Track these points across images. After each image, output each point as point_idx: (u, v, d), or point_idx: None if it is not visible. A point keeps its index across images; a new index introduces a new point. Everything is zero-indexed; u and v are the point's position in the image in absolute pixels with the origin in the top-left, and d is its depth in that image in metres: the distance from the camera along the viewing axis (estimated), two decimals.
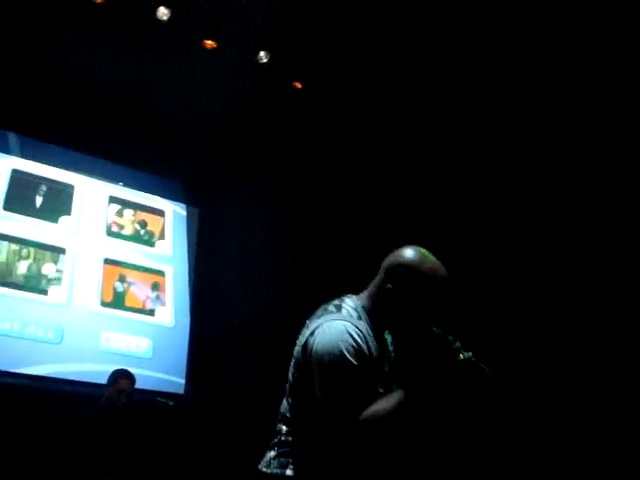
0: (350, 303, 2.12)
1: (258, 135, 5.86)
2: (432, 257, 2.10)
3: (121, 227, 6.21)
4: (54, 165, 5.97)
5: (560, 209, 4.32)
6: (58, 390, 5.19)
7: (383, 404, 1.96)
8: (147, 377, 5.36)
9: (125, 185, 6.36)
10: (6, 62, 5.38)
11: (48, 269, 5.60)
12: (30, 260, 5.55)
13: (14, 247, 5.51)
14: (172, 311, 6.11)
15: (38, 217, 5.73)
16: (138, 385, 4.70)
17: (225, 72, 5.39)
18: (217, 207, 6.46)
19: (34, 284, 5.49)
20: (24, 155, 5.85)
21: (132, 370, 4.70)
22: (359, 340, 1.98)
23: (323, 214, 5.45)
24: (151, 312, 6.00)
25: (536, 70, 4.41)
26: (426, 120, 5.03)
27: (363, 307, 2.12)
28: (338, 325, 2.00)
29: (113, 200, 6.26)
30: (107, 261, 5.95)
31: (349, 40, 4.99)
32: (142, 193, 6.45)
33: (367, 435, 1.97)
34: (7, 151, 5.77)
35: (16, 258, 5.48)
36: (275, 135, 5.78)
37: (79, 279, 5.71)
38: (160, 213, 6.51)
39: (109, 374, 4.63)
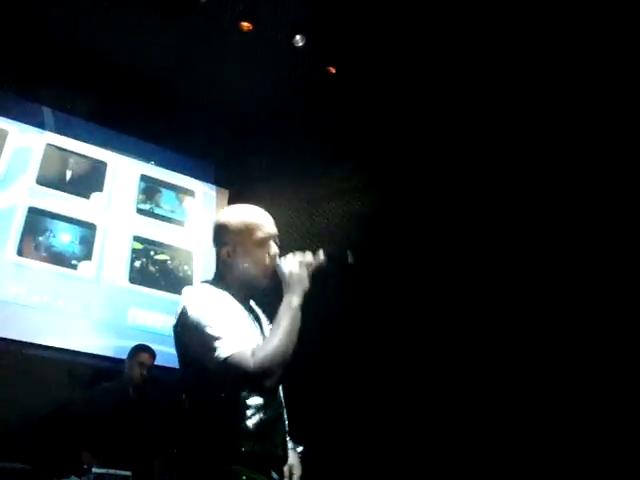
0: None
1: (290, 118, 5.86)
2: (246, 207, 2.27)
3: (151, 205, 6.26)
4: (87, 142, 6.04)
5: (560, 209, 4.28)
6: (84, 364, 5.26)
7: (271, 338, 1.91)
8: (172, 354, 5.40)
9: (156, 164, 6.42)
10: (44, 39, 5.43)
11: (78, 244, 5.67)
12: (61, 234, 5.62)
13: (46, 221, 5.58)
14: None
15: (70, 192, 5.80)
16: (164, 362, 4.74)
17: (260, 54, 5.39)
18: (246, 189, 6.47)
19: (64, 258, 5.56)
20: (58, 131, 5.92)
21: (157, 347, 4.74)
22: (212, 296, 2.04)
23: (355, 200, 5.43)
24: (178, 290, 6.02)
25: (545, 69, 4.38)
26: (465, 108, 4.99)
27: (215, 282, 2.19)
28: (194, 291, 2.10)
29: (144, 178, 6.31)
30: (136, 239, 6.01)
31: (384, 25, 4.96)
32: (173, 172, 6.50)
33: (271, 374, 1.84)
34: (42, 126, 5.84)
35: (47, 232, 5.55)
36: (307, 119, 5.76)
37: (108, 255, 5.77)
38: (190, 193, 6.56)
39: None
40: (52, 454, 4.11)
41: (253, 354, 1.82)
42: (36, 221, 5.53)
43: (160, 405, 4.70)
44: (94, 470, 3.65)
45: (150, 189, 6.32)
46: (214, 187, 6.68)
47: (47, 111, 5.90)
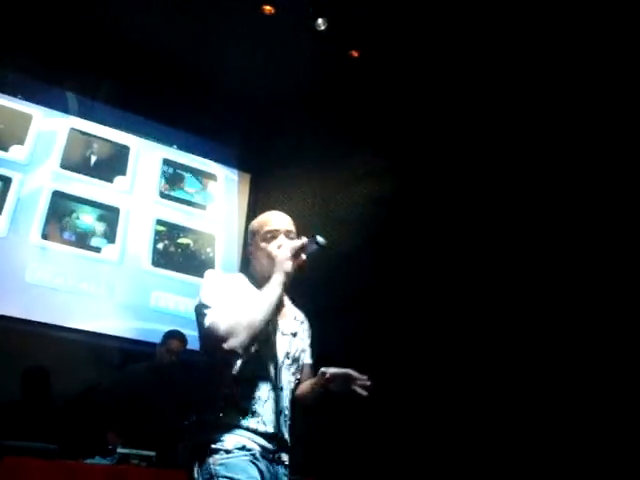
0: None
1: (313, 103, 5.85)
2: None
3: (173, 189, 6.31)
4: (110, 126, 6.09)
5: (559, 209, 4.25)
6: (108, 345, 5.33)
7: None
8: (195, 337, 5.45)
9: (179, 148, 6.45)
10: (66, 23, 5.46)
11: (102, 227, 5.73)
12: (85, 218, 5.68)
13: (70, 204, 5.64)
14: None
15: (94, 176, 5.87)
16: (187, 345, 4.80)
17: (282, 38, 5.37)
18: (268, 174, 6.50)
19: (88, 242, 5.63)
20: (82, 115, 5.98)
21: (180, 330, 4.79)
22: (229, 279, 2.27)
23: (376, 184, 5.42)
24: (200, 274, 6.07)
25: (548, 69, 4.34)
26: (487, 95, 4.96)
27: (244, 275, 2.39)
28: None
29: (166, 162, 6.36)
30: (159, 222, 6.07)
31: (406, 8, 4.92)
32: (195, 157, 6.54)
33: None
34: (66, 110, 5.90)
35: (72, 216, 5.62)
36: (330, 104, 5.75)
37: (132, 238, 5.83)
38: (212, 177, 6.60)
39: (159, 332, 4.74)
40: (78, 434, 4.18)
41: (226, 320, 2.03)
42: (60, 205, 5.60)
43: (187, 388, 4.75)
44: (119, 450, 3.70)
45: (172, 173, 6.36)
46: (236, 171, 6.71)
47: (71, 96, 5.95)
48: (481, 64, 4.89)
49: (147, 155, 6.26)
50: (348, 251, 4.83)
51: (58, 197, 5.61)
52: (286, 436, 2.22)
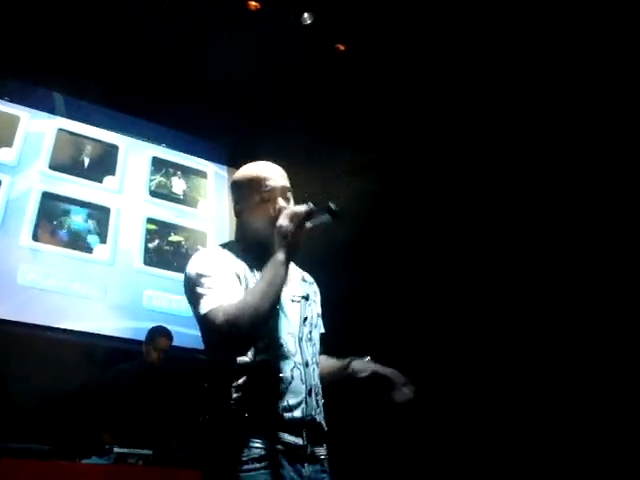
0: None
1: (301, 98, 5.84)
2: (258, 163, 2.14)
3: (164, 188, 6.29)
4: (98, 126, 6.08)
5: (557, 209, 4.27)
6: (101, 346, 5.32)
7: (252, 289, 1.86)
8: (187, 335, 5.46)
9: (167, 146, 6.44)
10: (50, 24, 5.43)
11: (93, 228, 5.72)
12: (75, 218, 5.66)
13: (60, 205, 5.62)
14: None
15: (83, 176, 5.85)
16: (180, 343, 4.80)
17: (269, 34, 5.37)
18: None
19: (79, 242, 5.61)
20: (69, 115, 5.96)
21: (173, 328, 4.79)
22: (214, 256, 1.97)
23: (364, 182, 5.44)
24: None
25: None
26: (474, 92, 4.97)
27: (235, 242, 2.11)
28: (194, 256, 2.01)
29: (156, 161, 6.34)
30: (150, 221, 6.05)
31: (392, 2, 4.93)
32: (184, 154, 6.53)
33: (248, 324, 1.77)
34: (53, 111, 5.88)
35: (62, 217, 5.60)
36: (318, 98, 5.75)
37: (123, 238, 5.81)
38: (202, 174, 6.59)
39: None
40: (73, 435, 4.18)
41: (226, 309, 1.78)
42: (50, 206, 5.58)
43: (177, 385, 4.76)
44: (115, 450, 3.70)
45: (162, 171, 6.35)
46: (225, 168, 6.70)
47: (58, 96, 5.93)
48: (466, 60, 4.91)
49: (136, 154, 6.24)
50: (334, 247, 4.82)
51: (48, 198, 5.59)
52: (319, 419, 1.94)
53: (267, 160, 2.23)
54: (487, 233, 4.70)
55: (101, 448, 3.80)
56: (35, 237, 5.38)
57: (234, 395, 1.85)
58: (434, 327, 4.84)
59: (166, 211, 6.19)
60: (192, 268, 1.94)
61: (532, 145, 4.49)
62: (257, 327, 1.80)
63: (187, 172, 6.50)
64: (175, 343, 4.74)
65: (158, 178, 6.29)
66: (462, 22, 4.79)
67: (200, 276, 1.89)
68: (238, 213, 2.11)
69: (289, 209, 1.94)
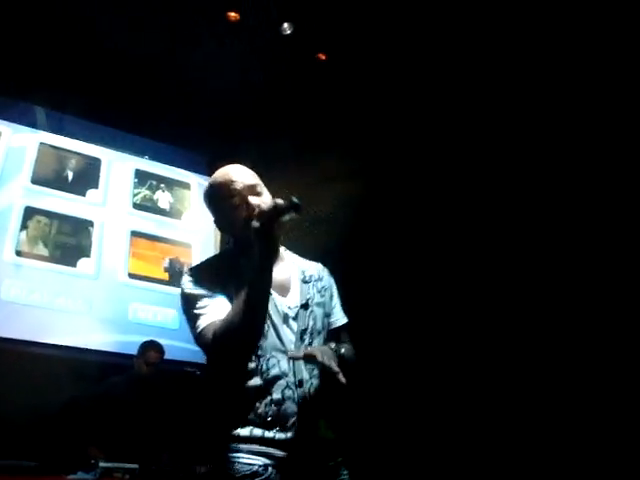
0: None
1: (283, 107, 5.86)
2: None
3: (147, 200, 6.28)
4: (80, 139, 6.06)
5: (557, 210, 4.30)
6: (88, 360, 5.28)
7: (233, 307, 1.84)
8: (174, 347, 5.44)
9: (150, 158, 6.43)
10: (33, 36, 5.42)
11: (76, 241, 5.69)
12: (58, 232, 5.63)
13: (42, 220, 5.59)
14: None
15: (66, 190, 5.82)
16: (166, 355, 4.78)
17: (249, 44, 5.38)
18: None
19: (63, 256, 5.58)
20: (51, 129, 5.93)
21: (159, 340, 4.78)
22: (204, 274, 2.02)
23: (348, 188, 5.45)
24: (178, 284, 6.05)
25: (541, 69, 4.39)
26: (456, 95, 5.00)
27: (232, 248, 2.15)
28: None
29: (139, 173, 6.33)
30: (134, 233, 6.03)
31: (373, 11, 4.95)
32: (167, 166, 6.52)
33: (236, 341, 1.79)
34: (35, 125, 5.85)
35: (44, 231, 5.57)
36: (299, 107, 5.76)
37: (107, 251, 5.79)
38: (186, 186, 6.57)
39: (138, 344, 4.73)
40: (59, 451, 4.15)
41: (216, 325, 1.82)
42: (33, 220, 5.55)
43: (166, 398, 4.75)
44: (101, 464, 3.68)
45: (145, 183, 6.33)
46: (209, 178, 6.67)
47: (39, 110, 5.91)
48: (448, 64, 4.94)
49: (119, 167, 6.22)
50: (320, 252, 4.82)
51: (30, 213, 5.56)
52: (316, 436, 1.93)
53: (250, 169, 2.21)
54: (474, 235, 4.71)
55: (87, 463, 3.77)
56: (18, 252, 5.35)
57: (226, 415, 1.89)
58: (421, 332, 4.84)
59: (150, 223, 6.17)
60: (184, 288, 2.00)
61: (520, 148, 4.51)
62: (248, 336, 1.81)
63: (170, 184, 6.49)
64: None
65: (142, 191, 6.27)
66: (443, 27, 4.81)
67: (192, 297, 1.95)
68: (220, 227, 2.15)
69: (257, 210, 1.93)
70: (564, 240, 4.13)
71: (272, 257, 1.90)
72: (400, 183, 5.21)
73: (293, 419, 1.89)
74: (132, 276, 5.84)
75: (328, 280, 2.23)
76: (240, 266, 1.98)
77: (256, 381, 1.88)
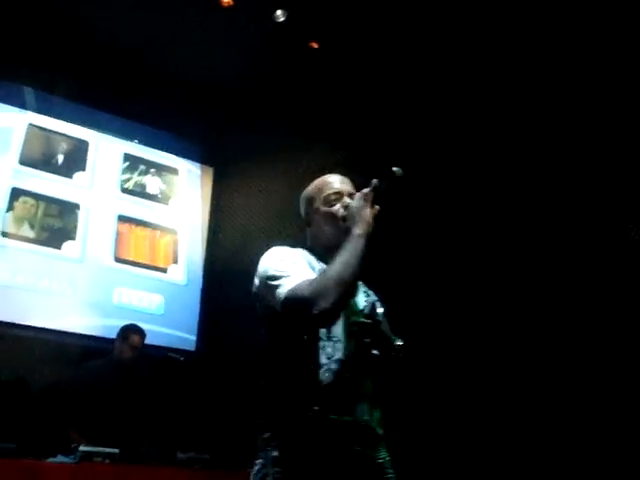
0: None
1: (274, 94, 5.83)
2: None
3: (135, 184, 6.24)
4: (69, 121, 5.99)
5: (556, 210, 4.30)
6: (71, 343, 5.27)
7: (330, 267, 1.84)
8: (158, 333, 5.43)
9: (140, 142, 6.38)
10: (23, 16, 5.36)
11: (62, 224, 5.65)
12: (44, 214, 5.59)
13: (29, 201, 5.55)
14: (184, 269, 6.17)
15: (53, 172, 5.77)
16: (150, 340, 4.78)
17: (241, 30, 5.34)
18: (231, 166, 6.46)
19: (48, 238, 5.54)
20: (40, 110, 5.86)
21: (144, 326, 4.77)
22: (290, 250, 2.02)
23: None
24: (164, 269, 6.06)
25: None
26: (448, 84, 4.98)
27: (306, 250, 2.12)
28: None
29: (127, 157, 6.28)
30: (121, 218, 6.00)
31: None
32: (156, 151, 6.47)
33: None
34: (23, 106, 5.78)
35: (30, 212, 5.53)
36: (291, 95, 5.74)
37: (93, 235, 5.76)
38: (174, 171, 6.54)
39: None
40: (39, 433, 4.13)
41: (310, 283, 1.80)
42: (19, 201, 5.51)
43: (149, 383, 4.74)
44: (81, 448, 3.67)
45: (134, 168, 6.29)
46: (198, 165, 6.66)
47: (28, 91, 5.84)
48: (441, 57, 4.92)
49: (107, 150, 6.17)
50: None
51: (17, 194, 5.51)
52: (373, 425, 1.95)
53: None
54: (474, 235, 4.71)
55: (67, 446, 3.76)
56: (4, 234, 5.31)
57: (293, 393, 1.88)
58: (421, 332, 4.84)
59: (137, 208, 6.14)
60: (269, 259, 1.98)
61: (511, 146, 4.51)
62: (344, 295, 1.80)
63: (159, 169, 6.45)
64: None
65: (132, 177, 6.23)
66: (437, 17, 4.79)
67: (280, 262, 1.93)
68: (308, 222, 2.19)
69: (358, 193, 1.99)
70: (570, 240, 4.13)
71: (369, 230, 1.91)
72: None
73: (353, 404, 1.91)
74: (119, 260, 5.82)
75: (378, 301, 2.23)
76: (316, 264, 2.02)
77: (322, 360, 1.90)
